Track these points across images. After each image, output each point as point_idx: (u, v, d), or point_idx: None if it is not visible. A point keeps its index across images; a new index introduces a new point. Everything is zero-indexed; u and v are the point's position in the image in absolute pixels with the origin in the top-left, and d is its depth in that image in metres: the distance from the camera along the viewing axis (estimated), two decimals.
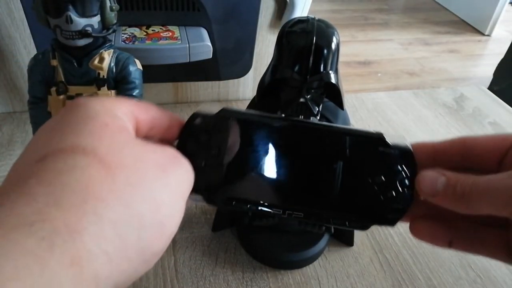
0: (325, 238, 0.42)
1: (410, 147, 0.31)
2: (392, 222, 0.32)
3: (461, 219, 0.28)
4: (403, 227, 0.47)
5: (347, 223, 0.34)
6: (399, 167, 0.31)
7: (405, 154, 0.30)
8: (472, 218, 0.28)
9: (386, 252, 0.44)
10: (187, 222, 0.45)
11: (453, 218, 0.29)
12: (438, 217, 0.29)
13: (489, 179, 0.23)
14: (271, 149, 0.34)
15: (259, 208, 0.36)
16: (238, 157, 0.33)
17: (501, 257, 0.26)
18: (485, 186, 0.23)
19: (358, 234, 0.45)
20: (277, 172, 0.34)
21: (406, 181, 0.31)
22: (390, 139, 0.31)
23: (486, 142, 0.25)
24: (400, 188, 0.31)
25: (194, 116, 0.33)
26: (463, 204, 0.25)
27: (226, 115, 0.32)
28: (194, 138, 0.33)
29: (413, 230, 0.30)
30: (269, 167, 0.34)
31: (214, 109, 0.33)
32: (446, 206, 0.26)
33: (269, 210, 0.35)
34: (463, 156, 0.26)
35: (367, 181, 0.32)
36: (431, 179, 0.26)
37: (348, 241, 0.44)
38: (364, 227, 0.32)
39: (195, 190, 0.35)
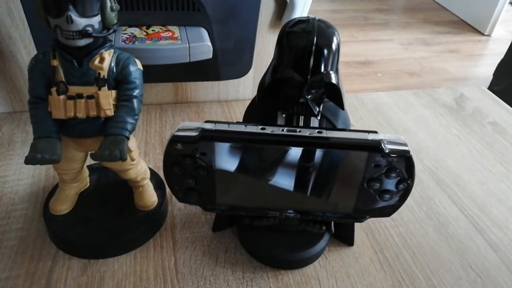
0: (325, 238, 0.42)
1: (408, 150, 0.31)
2: (388, 215, 0.32)
3: None
4: (403, 226, 0.47)
5: (344, 218, 0.34)
6: (397, 173, 0.31)
7: (403, 159, 0.30)
8: None
9: (386, 252, 0.44)
10: (187, 222, 0.46)
11: None
12: None
13: None
14: (262, 159, 0.33)
15: (257, 212, 0.36)
16: (227, 170, 0.33)
17: None
18: None
19: (358, 234, 0.45)
20: (275, 178, 0.34)
21: (404, 183, 0.31)
22: (388, 144, 0.31)
23: None
24: (398, 188, 0.31)
25: (173, 140, 0.32)
26: None
27: (205, 135, 0.31)
28: (178, 164, 0.32)
29: None
30: (265, 175, 0.34)
31: (192, 125, 0.32)
32: None
33: (267, 214, 0.35)
34: None
35: (366, 188, 0.32)
36: None
37: (348, 241, 0.44)
38: (361, 219, 0.33)
39: (192, 203, 0.35)
